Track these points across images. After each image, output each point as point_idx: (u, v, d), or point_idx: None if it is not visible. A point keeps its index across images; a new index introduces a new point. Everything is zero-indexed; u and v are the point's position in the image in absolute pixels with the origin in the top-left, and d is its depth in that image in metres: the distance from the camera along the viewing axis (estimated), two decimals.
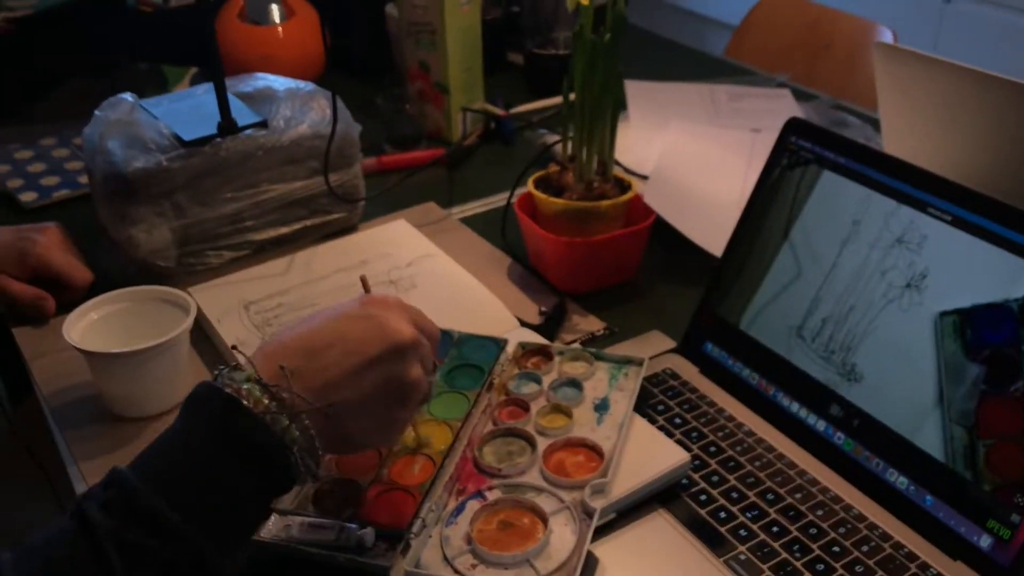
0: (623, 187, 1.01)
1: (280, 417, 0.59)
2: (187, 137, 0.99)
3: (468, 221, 1.17)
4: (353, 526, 0.68)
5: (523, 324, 0.94)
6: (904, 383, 0.73)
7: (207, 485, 0.56)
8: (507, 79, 1.58)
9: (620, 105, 0.99)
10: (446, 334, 0.88)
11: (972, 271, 0.70)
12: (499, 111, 1.39)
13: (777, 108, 1.38)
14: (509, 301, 0.97)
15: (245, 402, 0.58)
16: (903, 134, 1.01)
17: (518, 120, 1.40)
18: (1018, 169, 0.88)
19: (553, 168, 1.04)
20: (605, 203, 0.97)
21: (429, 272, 1.01)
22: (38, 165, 1.29)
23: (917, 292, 0.73)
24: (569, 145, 1.00)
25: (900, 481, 0.72)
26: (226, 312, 0.95)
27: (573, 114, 0.97)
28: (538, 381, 0.83)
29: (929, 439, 0.71)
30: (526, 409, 0.80)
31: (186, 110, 1.06)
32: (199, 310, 0.94)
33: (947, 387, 0.70)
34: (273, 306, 0.95)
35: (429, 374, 0.69)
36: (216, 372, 0.61)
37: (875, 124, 1.35)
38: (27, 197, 1.22)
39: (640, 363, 0.84)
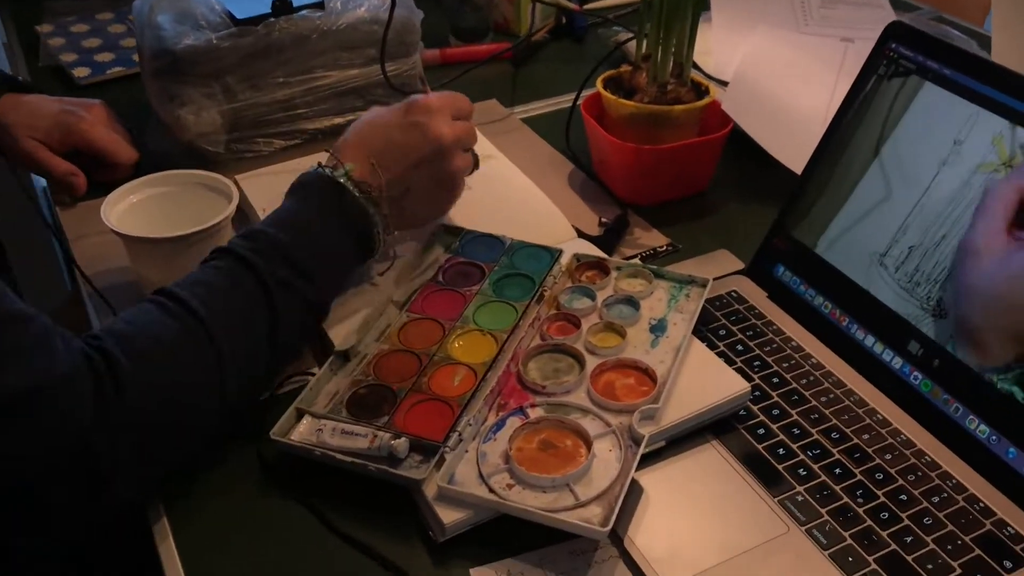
0: (700, 92, 0.94)
1: (368, 203, 0.74)
2: (240, 15, 0.94)
3: (531, 122, 1.11)
4: (387, 434, 0.65)
5: (581, 235, 0.88)
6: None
7: (325, 247, 0.73)
8: None
9: (703, 4, 0.91)
10: (497, 240, 0.83)
11: None
12: (572, 5, 1.30)
13: (873, 17, 1.27)
14: (568, 209, 0.92)
15: (348, 187, 0.74)
16: (1016, 48, 0.91)
17: (592, 16, 1.31)
18: None
19: (625, 68, 0.97)
20: (679, 108, 0.90)
21: (487, 174, 0.94)
22: (93, 40, 1.26)
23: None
24: (644, 43, 0.93)
25: (981, 429, 0.66)
26: (272, 202, 0.89)
27: (650, 9, 0.89)
28: (592, 296, 0.78)
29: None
30: (577, 325, 0.75)
31: None
32: (245, 198, 0.91)
33: None
34: None
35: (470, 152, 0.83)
36: (318, 165, 0.76)
37: (980, 40, 1.23)
38: (80, 73, 1.18)
39: (703, 284, 0.78)
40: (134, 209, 0.82)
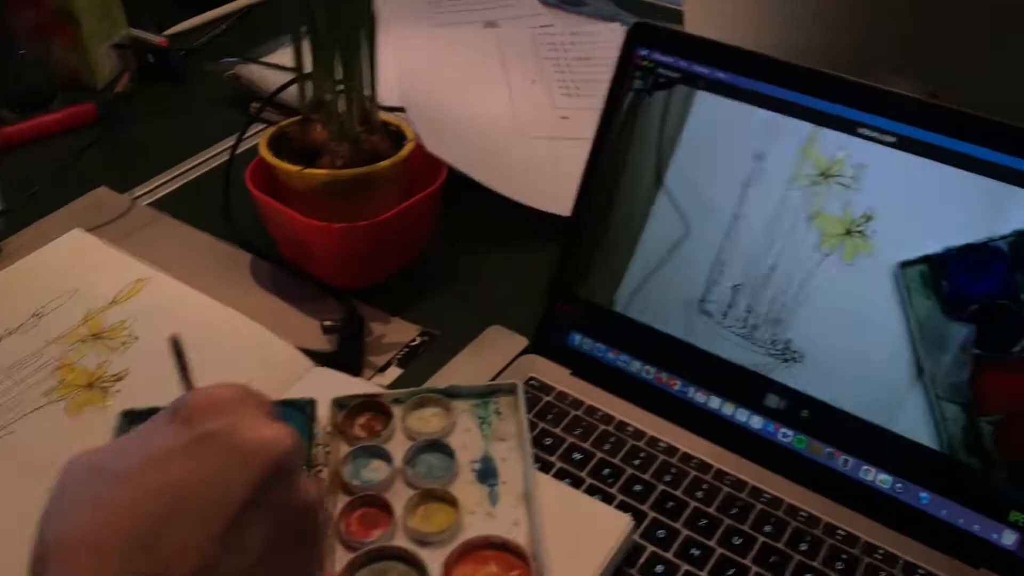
0: (391, 134, 0.75)
1: None
2: None
3: (163, 204, 0.84)
4: None
5: (312, 356, 0.67)
6: (864, 357, 0.57)
7: None
8: None
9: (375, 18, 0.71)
10: None
11: (937, 205, 0.55)
12: (156, 38, 1.03)
13: None
14: (273, 322, 0.69)
15: None
16: (708, 11, 0.83)
17: (183, 46, 1.05)
18: (859, 35, 0.74)
19: (288, 122, 0.75)
20: (385, 165, 0.71)
21: (148, 309, 0.68)
22: None
23: (863, 239, 0.57)
24: (309, 87, 0.72)
25: (882, 479, 0.57)
26: None
27: (317, 41, 0.68)
28: (384, 457, 0.57)
29: (912, 423, 0.56)
30: (385, 509, 0.54)
31: None
32: None
33: (925, 356, 0.56)
34: None
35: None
36: None
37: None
38: None
39: (511, 390, 0.61)
40: None
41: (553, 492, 0.56)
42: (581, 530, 0.53)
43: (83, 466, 0.38)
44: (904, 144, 0.56)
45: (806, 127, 0.58)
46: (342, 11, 0.67)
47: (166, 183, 0.87)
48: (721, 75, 0.61)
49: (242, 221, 0.79)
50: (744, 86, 0.60)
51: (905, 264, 0.56)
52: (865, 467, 0.58)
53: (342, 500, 0.55)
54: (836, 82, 0.57)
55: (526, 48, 1.01)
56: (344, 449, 0.58)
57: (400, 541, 0.53)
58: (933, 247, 0.55)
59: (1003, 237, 0.53)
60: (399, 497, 0.55)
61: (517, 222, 0.79)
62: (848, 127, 0.57)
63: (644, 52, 0.63)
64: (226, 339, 0.66)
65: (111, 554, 0.35)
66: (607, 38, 1.03)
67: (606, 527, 0.54)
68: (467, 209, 0.80)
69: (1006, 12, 0.69)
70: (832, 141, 0.57)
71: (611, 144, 0.64)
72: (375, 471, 0.57)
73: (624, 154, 0.64)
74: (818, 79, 0.58)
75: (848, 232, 0.57)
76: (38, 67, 0.93)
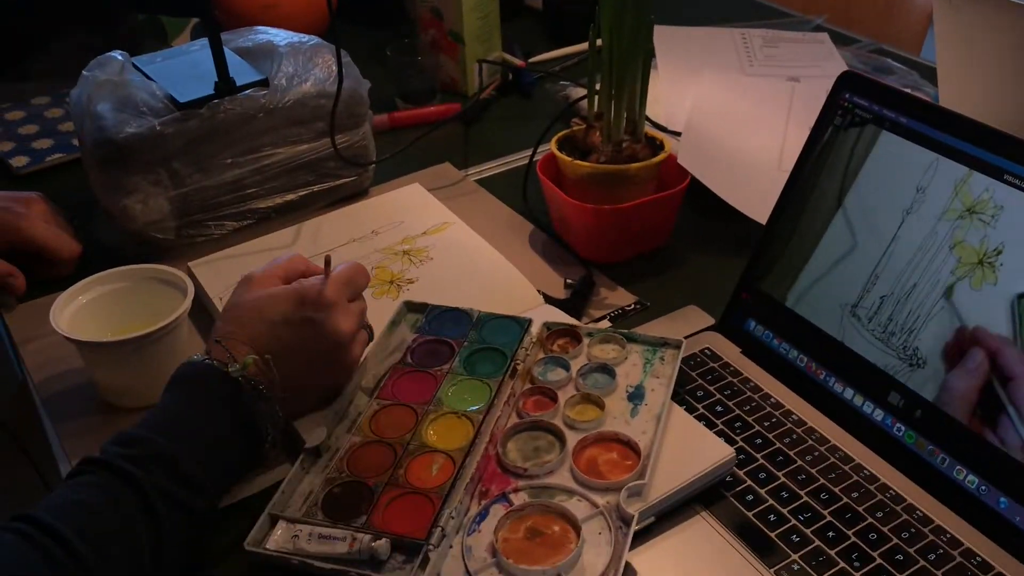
0: (655, 146, 0.93)
1: (262, 401, 0.68)
2: (182, 99, 0.92)
3: (486, 183, 1.09)
4: (366, 536, 0.62)
5: (548, 299, 0.87)
6: None
7: (216, 453, 0.65)
8: (525, 26, 1.49)
9: (651, 55, 0.90)
10: (464, 314, 0.81)
11: None
12: (517, 61, 1.30)
13: (815, 54, 1.29)
14: (532, 273, 0.90)
15: (244, 385, 0.67)
16: (963, 85, 0.92)
17: (538, 70, 1.31)
18: None
19: (578, 126, 0.96)
20: (635, 166, 0.89)
21: (446, 242, 0.93)
22: (30, 127, 1.22)
23: (991, 270, 0.65)
24: (596, 101, 0.92)
25: (970, 480, 0.65)
26: (228, 288, 0.87)
27: (600, 66, 0.89)
28: (566, 367, 0.76)
29: (1005, 436, 0.63)
30: (553, 399, 0.73)
31: (181, 68, 0.98)
32: (200, 286, 0.88)
33: None
34: None
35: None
36: (206, 356, 0.68)
37: (920, 69, 1.25)
38: (19, 162, 1.15)
39: (677, 346, 0.77)
40: (85, 310, 0.78)
41: (682, 420, 0.71)
42: (691, 449, 0.68)
43: (248, 282, 0.74)
44: None
45: (962, 169, 0.68)
46: (623, 50, 0.87)
47: (492, 168, 1.13)
48: (903, 120, 0.72)
49: (533, 202, 1.01)
50: (920, 130, 0.71)
51: (1021, 296, 0.64)
52: (958, 467, 0.66)
53: (526, 387, 0.74)
54: (992, 134, 0.66)
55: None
56: (540, 355, 0.77)
57: (556, 423, 0.71)
58: None
59: None
60: (566, 394, 0.73)
61: (744, 232, 0.93)
62: (996, 173, 0.66)
63: (847, 96, 0.76)
64: (491, 273, 0.89)
65: (231, 323, 0.71)
66: None
67: (711, 452, 0.68)
68: (710, 218, 0.96)
69: None
70: (980, 183, 0.67)
71: (809, 168, 0.78)
72: (556, 375, 0.75)
73: (816, 177, 0.77)
74: (977, 129, 0.67)
75: (980, 262, 0.66)
76: (427, 72, 1.24)
